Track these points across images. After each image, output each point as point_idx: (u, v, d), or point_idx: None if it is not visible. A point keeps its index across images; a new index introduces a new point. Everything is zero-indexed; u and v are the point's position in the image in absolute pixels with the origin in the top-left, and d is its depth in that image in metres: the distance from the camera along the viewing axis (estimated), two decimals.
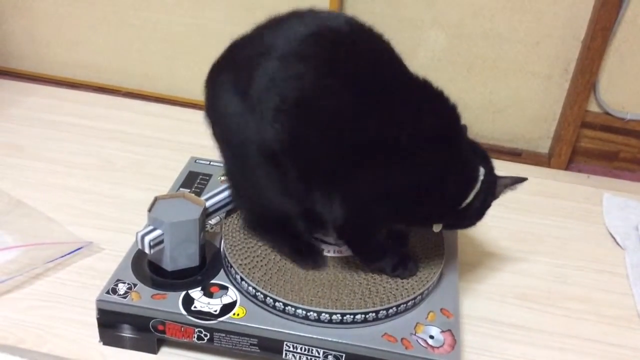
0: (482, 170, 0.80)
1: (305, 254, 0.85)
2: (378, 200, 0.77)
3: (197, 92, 1.50)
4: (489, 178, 0.81)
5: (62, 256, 0.94)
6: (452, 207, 0.79)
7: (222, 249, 0.86)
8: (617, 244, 1.10)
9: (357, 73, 0.75)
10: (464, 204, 0.79)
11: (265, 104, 0.75)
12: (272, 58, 0.75)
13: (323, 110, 0.74)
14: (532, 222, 1.15)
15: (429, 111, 0.77)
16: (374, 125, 0.74)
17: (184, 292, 0.79)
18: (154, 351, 0.80)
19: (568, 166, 1.38)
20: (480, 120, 1.39)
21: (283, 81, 0.74)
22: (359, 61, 0.76)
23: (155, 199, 0.84)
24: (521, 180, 0.85)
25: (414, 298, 0.80)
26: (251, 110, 0.76)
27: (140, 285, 0.80)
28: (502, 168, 1.31)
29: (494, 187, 0.82)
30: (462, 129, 0.81)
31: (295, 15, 0.78)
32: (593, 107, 1.33)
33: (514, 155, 1.40)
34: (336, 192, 0.77)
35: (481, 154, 0.83)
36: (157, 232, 0.79)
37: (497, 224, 1.13)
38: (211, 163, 1.07)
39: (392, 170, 0.75)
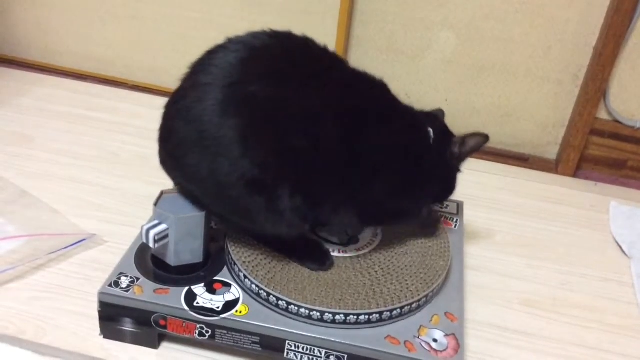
0: (430, 131, 0.86)
1: (313, 255, 0.84)
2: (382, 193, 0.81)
3: None
4: (439, 136, 0.87)
5: (65, 247, 0.93)
6: (419, 170, 0.85)
7: (226, 246, 0.85)
8: (623, 252, 1.09)
9: (302, 73, 0.77)
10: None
11: (226, 138, 0.73)
12: (213, 92, 0.74)
13: (294, 116, 0.75)
14: (538, 228, 1.14)
15: (377, 95, 0.84)
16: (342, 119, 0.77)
17: (186, 288, 0.79)
18: (155, 346, 0.80)
19: (576, 173, 1.37)
20: (489, 124, 1.39)
21: (238, 106, 0.73)
22: (297, 63, 0.78)
23: (162, 193, 0.83)
24: (480, 136, 0.89)
25: (419, 300, 0.79)
26: (210, 153, 0.74)
27: (143, 279, 0.80)
28: (509, 173, 1.32)
29: (448, 142, 0.88)
30: (394, 101, 0.85)
31: (219, 48, 0.80)
32: (603, 115, 1.33)
33: (521, 160, 1.39)
34: (341, 199, 0.80)
35: (432, 119, 0.89)
36: (163, 227, 0.79)
37: (503, 229, 1.12)
38: None
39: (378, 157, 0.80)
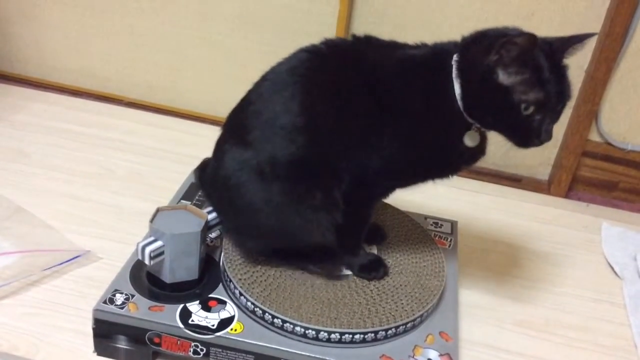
0: (456, 57, 0.77)
1: (328, 260, 0.86)
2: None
3: (200, 105, 1.51)
4: (468, 55, 0.76)
5: (60, 264, 0.93)
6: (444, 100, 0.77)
7: (221, 263, 0.86)
8: (615, 273, 1.10)
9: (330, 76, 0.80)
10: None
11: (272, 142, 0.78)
12: (259, 99, 0.81)
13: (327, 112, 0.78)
14: (531, 249, 1.14)
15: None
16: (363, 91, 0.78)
17: (181, 305, 0.79)
18: None
19: (567, 194, 1.38)
20: None
21: (282, 107, 0.78)
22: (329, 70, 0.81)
23: (158, 210, 0.83)
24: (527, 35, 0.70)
25: (414, 320, 0.80)
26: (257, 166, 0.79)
27: (137, 296, 0.80)
28: (502, 193, 1.33)
29: (482, 60, 0.73)
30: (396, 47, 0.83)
31: (270, 69, 0.83)
32: (594, 137, 1.34)
33: (514, 180, 1.40)
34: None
35: (452, 46, 0.79)
36: (158, 243, 0.79)
37: (496, 248, 1.13)
38: None
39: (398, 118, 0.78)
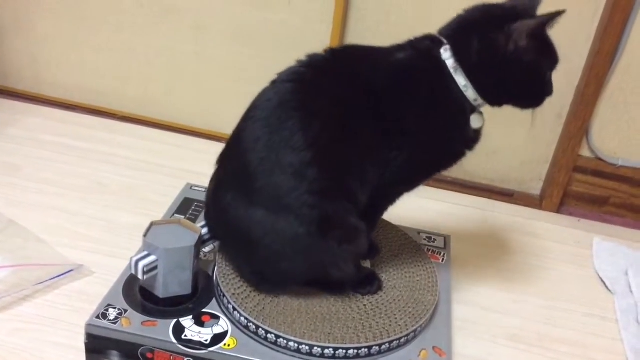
0: (446, 50, 0.80)
1: (338, 288, 0.86)
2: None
3: (194, 119, 1.51)
4: (461, 45, 0.80)
5: (52, 278, 0.93)
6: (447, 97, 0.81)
7: (214, 278, 0.85)
8: (607, 288, 1.11)
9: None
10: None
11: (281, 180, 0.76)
12: (259, 147, 0.77)
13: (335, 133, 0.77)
14: (523, 263, 1.15)
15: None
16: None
17: (174, 320, 0.79)
18: None
19: (559, 209, 1.39)
20: (474, 160, 1.39)
21: (285, 147, 0.75)
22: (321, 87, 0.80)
23: (151, 224, 0.83)
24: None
25: (407, 335, 0.80)
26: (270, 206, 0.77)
27: (130, 311, 0.79)
28: (495, 208, 1.33)
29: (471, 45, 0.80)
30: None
31: (253, 106, 0.81)
32: (585, 152, 1.35)
33: (506, 195, 1.41)
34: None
35: (444, 36, 0.82)
36: (152, 258, 0.79)
37: (488, 263, 1.13)
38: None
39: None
